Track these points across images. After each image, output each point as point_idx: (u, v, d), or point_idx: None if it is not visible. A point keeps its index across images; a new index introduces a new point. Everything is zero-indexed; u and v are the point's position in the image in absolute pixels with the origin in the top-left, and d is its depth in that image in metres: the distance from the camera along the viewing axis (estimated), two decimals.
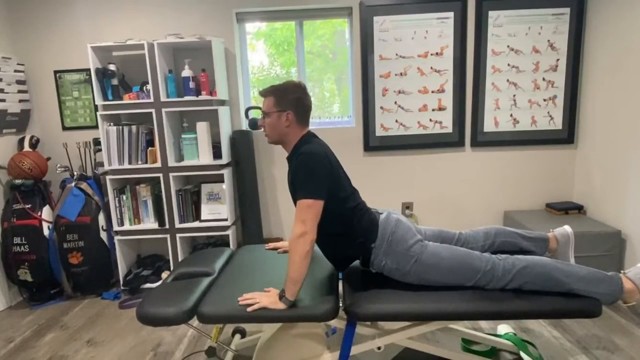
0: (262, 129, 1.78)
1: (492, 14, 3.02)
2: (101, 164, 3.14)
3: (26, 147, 3.00)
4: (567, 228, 1.90)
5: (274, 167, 3.27)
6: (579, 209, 3.04)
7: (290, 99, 1.70)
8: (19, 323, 2.70)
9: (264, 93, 1.75)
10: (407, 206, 3.31)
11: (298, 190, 1.59)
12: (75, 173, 3.06)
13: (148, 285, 3.02)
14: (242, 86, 3.24)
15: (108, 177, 2.93)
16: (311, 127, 3.26)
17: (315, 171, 1.60)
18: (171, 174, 2.92)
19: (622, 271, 1.66)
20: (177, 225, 2.97)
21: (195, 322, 2.49)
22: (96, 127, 3.21)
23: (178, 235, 2.98)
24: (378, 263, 1.71)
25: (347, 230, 1.71)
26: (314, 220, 1.56)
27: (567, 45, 3.04)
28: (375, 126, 3.17)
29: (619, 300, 1.60)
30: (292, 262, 1.55)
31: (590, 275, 1.60)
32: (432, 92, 3.13)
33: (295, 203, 1.64)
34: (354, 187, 1.82)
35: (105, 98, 2.91)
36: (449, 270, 1.65)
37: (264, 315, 1.59)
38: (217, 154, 3.05)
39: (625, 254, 2.68)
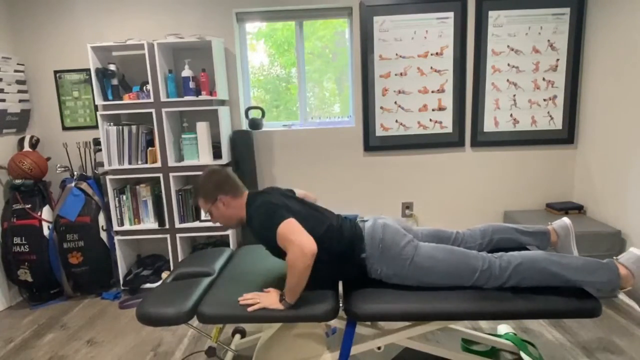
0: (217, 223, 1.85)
1: (492, 14, 3.02)
2: (101, 164, 3.14)
3: (26, 147, 3.00)
4: (565, 220, 1.88)
5: (274, 167, 3.27)
6: (579, 209, 3.04)
7: (211, 188, 1.77)
8: (19, 323, 2.70)
9: (193, 202, 1.82)
10: (407, 206, 3.31)
11: (269, 229, 1.59)
12: (75, 173, 3.06)
13: (148, 285, 3.02)
14: (242, 86, 3.24)
15: (108, 177, 2.93)
16: (311, 127, 3.28)
17: (271, 207, 1.64)
18: (171, 174, 2.92)
19: (614, 258, 1.65)
20: (177, 225, 2.97)
21: (195, 322, 2.49)
22: (96, 127, 3.21)
23: (178, 235, 2.98)
24: (375, 271, 1.71)
25: (331, 253, 1.68)
26: (300, 232, 1.54)
27: (567, 45, 3.04)
28: (375, 126, 3.17)
29: (617, 287, 1.60)
30: (291, 276, 1.53)
31: (586, 265, 1.60)
32: (432, 92, 3.13)
33: (273, 253, 1.70)
34: (318, 208, 1.81)
35: (105, 98, 2.91)
36: (446, 271, 1.65)
37: (264, 315, 1.59)
38: (217, 154, 3.05)
39: None
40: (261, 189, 1.87)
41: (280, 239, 1.56)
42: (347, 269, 1.74)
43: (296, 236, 1.53)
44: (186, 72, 2.87)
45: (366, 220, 1.79)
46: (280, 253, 1.62)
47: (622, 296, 2.65)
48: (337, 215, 1.84)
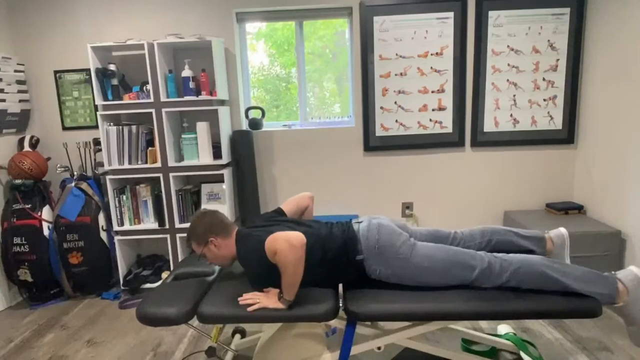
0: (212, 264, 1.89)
1: (492, 14, 3.02)
2: (101, 164, 3.14)
3: (26, 147, 3.00)
4: (562, 230, 1.89)
5: (274, 167, 3.27)
6: (579, 209, 3.03)
7: (203, 231, 1.78)
8: (19, 323, 2.70)
9: (187, 244, 1.87)
10: (407, 206, 3.31)
11: (257, 252, 1.63)
12: (75, 173, 3.06)
13: (148, 285, 3.02)
14: (242, 86, 3.24)
15: (108, 177, 2.93)
16: (311, 127, 3.28)
17: (254, 235, 1.70)
18: (171, 174, 2.92)
19: (612, 272, 1.66)
20: (177, 225, 2.97)
21: (195, 322, 2.49)
22: (96, 127, 3.21)
23: (178, 235, 2.98)
24: (374, 272, 1.71)
25: (324, 261, 1.70)
26: (284, 233, 1.57)
27: (567, 45, 3.04)
28: (375, 126, 3.17)
29: (614, 301, 1.60)
30: (285, 272, 1.55)
31: (586, 276, 1.60)
32: (432, 92, 3.13)
33: (262, 277, 1.72)
34: (302, 223, 1.84)
35: (105, 98, 2.91)
36: (445, 271, 1.65)
37: (264, 315, 1.59)
38: (217, 154, 3.05)
39: (625, 254, 2.68)
40: (249, 224, 1.91)
41: (269, 249, 1.57)
42: (345, 272, 1.74)
43: (281, 235, 1.55)
44: (186, 72, 2.87)
45: (361, 222, 1.79)
46: (275, 275, 1.62)
47: None
48: (326, 223, 1.86)
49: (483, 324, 2.42)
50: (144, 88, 2.92)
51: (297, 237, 1.53)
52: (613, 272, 1.66)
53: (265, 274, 1.69)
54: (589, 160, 3.04)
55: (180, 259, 3.01)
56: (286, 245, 1.51)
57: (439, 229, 1.92)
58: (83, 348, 2.36)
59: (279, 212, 1.97)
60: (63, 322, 2.67)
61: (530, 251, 1.87)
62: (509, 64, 3.08)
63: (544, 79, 3.09)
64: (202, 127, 2.89)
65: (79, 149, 3.24)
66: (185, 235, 2.98)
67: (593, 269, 1.65)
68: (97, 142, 3.10)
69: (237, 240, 1.80)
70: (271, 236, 1.58)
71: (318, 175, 3.27)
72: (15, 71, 3.02)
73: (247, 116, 3.17)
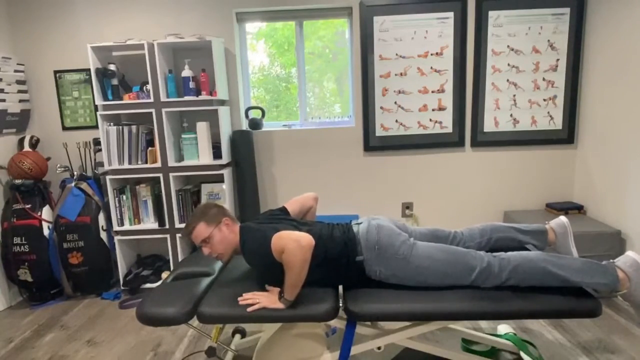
0: (213, 256, 1.80)
1: (492, 14, 3.02)
2: (101, 164, 3.14)
3: (26, 147, 3.00)
4: (562, 218, 1.88)
5: (274, 167, 3.27)
6: (579, 209, 3.03)
7: (215, 212, 1.78)
8: (19, 323, 2.70)
9: (189, 230, 1.77)
10: (407, 206, 3.31)
11: (264, 247, 1.62)
12: (75, 173, 3.06)
13: (148, 285, 3.02)
14: (242, 86, 3.24)
15: (108, 177, 2.93)
16: (311, 127, 3.28)
17: (261, 230, 1.69)
18: (171, 174, 2.92)
19: (611, 260, 1.66)
20: (177, 225, 2.97)
21: (195, 322, 2.49)
22: (96, 127, 3.21)
23: (178, 235, 2.98)
24: (374, 272, 1.71)
25: (325, 262, 1.70)
26: (292, 232, 1.57)
27: (567, 45, 3.04)
28: (375, 126, 3.17)
29: (615, 289, 1.60)
30: (290, 271, 1.54)
31: (586, 267, 1.60)
32: (432, 92, 3.13)
33: (265, 271, 1.71)
34: (305, 223, 1.85)
35: (105, 98, 2.91)
36: (444, 270, 1.65)
37: (264, 315, 1.59)
38: (217, 154, 3.05)
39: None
40: (252, 220, 1.92)
41: (276, 247, 1.57)
42: (345, 273, 1.74)
43: (290, 235, 1.55)
44: (186, 72, 2.87)
45: (360, 223, 1.79)
46: (278, 273, 1.62)
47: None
48: (327, 224, 1.86)
49: (483, 324, 2.42)
50: (144, 88, 2.92)
51: (305, 238, 1.53)
52: (612, 260, 1.65)
53: (268, 270, 1.68)
54: (589, 160, 3.04)
55: (180, 259, 3.01)
56: (295, 244, 1.51)
57: (438, 229, 1.92)
58: (83, 348, 2.36)
59: (283, 210, 1.97)
60: (63, 322, 2.67)
61: (532, 245, 1.86)
62: (509, 64, 3.08)
63: (544, 79, 3.09)
64: (202, 127, 2.89)
65: (79, 149, 3.24)
66: None
67: (590, 260, 1.64)
68: (97, 142, 3.10)
69: (241, 233, 1.79)
70: (279, 234, 1.58)
71: (318, 175, 3.27)
72: (15, 71, 3.02)
73: (247, 116, 3.17)
